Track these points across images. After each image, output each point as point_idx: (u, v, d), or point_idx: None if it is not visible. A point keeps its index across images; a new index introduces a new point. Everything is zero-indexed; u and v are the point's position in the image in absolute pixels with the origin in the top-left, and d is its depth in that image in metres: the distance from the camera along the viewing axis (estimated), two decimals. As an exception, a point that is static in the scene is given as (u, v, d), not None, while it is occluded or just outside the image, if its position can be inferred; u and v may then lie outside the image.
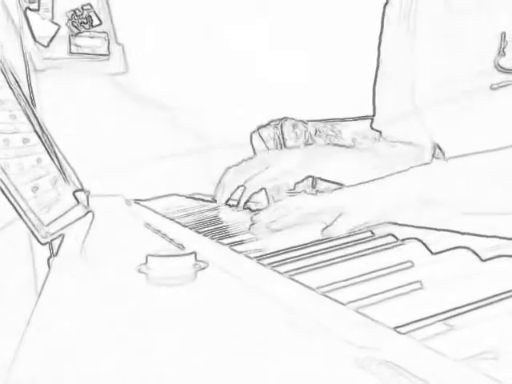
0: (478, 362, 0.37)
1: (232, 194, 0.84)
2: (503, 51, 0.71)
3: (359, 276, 0.53)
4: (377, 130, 0.96)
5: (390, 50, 0.90)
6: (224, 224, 0.78)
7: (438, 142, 0.84)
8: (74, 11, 1.19)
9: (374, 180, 0.68)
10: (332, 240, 0.65)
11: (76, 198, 0.87)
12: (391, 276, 0.53)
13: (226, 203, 0.84)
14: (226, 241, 0.69)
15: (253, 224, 0.71)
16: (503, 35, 0.71)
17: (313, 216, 0.69)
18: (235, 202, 0.83)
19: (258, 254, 0.62)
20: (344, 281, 0.52)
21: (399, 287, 0.50)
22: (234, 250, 0.66)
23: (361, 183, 0.69)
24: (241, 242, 0.68)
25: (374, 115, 0.96)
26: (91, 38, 1.21)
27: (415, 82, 0.84)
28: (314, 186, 1.03)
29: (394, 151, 0.90)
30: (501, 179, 0.65)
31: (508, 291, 0.47)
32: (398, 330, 0.42)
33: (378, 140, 0.98)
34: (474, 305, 0.45)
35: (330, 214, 0.68)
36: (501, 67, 0.70)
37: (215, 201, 0.87)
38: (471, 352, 0.38)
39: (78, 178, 0.92)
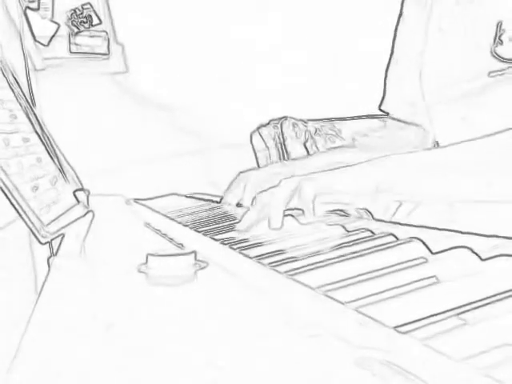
0: (479, 362, 0.37)
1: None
2: (500, 39, 0.72)
3: (359, 276, 0.53)
4: (384, 112, 0.97)
5: (405, 34, 0.92)
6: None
7: (438, 131, 0.86)
8: (74, 10, 1.19)
9: (339, 168, 0.77)
10: (332, 240, 0.65)
11: (76, 198, 0.87)
12: (391, 275, 0.53)
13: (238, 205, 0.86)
14: (222, 237, 0.70)
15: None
16: (500, 24, 0.72)
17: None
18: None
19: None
20: (344, 280, 0.52)
21: (399, 287, 0.50)
22: (233, 249, 0.66)
23: (326, 171, 0.77)
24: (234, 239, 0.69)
25: (383, 96, 0.97)
26: (91, 37, 1.21)
27: (422, 71, 0.85)
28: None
29: (402, 134, 0.92)
30: (437, 173, 0.75)
31: (508, 291, 0.47)
32: (398, 329, 0.42)
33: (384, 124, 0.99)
34: (474, 304, 0.45)
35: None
36: (498, 56, 0.72)
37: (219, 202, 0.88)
38: (472, 352, 0.38)
39: (77, 178, 0.92)
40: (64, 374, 0.43)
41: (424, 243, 0.59)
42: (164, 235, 0.77)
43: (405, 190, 0.75)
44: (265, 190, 0.75)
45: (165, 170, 1.22)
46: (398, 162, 0.75)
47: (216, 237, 0.72)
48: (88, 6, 1.20)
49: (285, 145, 1.20)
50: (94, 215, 0.86)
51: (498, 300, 0.45)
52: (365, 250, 0.60)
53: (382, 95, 0.98)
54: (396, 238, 0.63)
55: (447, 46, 0.80)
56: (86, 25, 1.20)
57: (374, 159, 0.76)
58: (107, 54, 1.22)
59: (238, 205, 0.87)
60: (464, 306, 0.45)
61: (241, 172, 0.90)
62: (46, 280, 0.65)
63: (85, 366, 0.44)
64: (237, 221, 0.80)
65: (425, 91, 0.85)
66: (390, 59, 0.96)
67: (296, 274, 0.55)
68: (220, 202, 0.89)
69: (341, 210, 0.82)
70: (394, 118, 0.96)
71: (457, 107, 0.79)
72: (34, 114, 0.85)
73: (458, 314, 0.44)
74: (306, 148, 1.21)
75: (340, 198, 0.74)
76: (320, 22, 1.25)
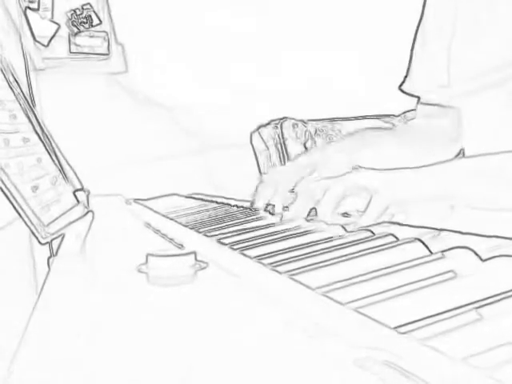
0: (479, 362, 0.37)
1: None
2: None
3: (359, 276, 0.53)
4: (409, 94, 0.93)
5: (433, 10, 0.88)
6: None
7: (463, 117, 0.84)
8: (74, 11, 1.19)
9: (400, 169, 0.73)
10: (332, 240, 0.65)
11: (76, 198, 0.87)
12: (391, 276, 0.53)
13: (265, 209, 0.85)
14: (226, 240, 0.70)
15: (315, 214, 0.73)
16: None
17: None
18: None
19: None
20: (344, 281, 0.52)
21: (399, 287, 0.50)
22: (233, 249, 0.66)
23: (386, 170, 0.73)
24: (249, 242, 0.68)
25: (406, 76, 0.93)
26: (91, 37, 1.21)
27: (451, 58, 0.82)
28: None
29: (430, 124, 0.90)
30: (504, 181, 0.70)
31: (508, 291, 0.47)
32: (397, 329, 0.42)
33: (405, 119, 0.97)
34: (474, 304, 0.45)
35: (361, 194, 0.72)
36: None
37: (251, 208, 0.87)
38: (473, 351, 0.38)
39: (77, 178, 0.92)
40: (64, 374, 0.43)
41: (424, 243, 0.59)
42: (164, 235, 0.77)
43: (467, 198, 0.71)
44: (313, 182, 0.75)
45: (165, 170, 1.22)
46: (459, 168, 0.71)
47: (216, 237, 0.72)
48: (88, 6, 1.20)
49: (285, 145, 1.21)
50: (93, 215, 0.86)
51: (498, 300, 0.46)
52: (365, 250, 0.60)
53: (404, 74, 0.93)
54: (396, 238, 0.63)
55: (476, 37, 0.77)
56: (86, 25, 1.20)
57: (429, 165, 0.72)
58: (107, 54, 1.22)
59: (267, 208, 0.85)
60: (464, 306, 0.45)
61: (264, 174, 0.88)
62: (45, 280, 0.65)
63: (85, 365, 0.44)
64: (237, 221, 0.80)
65: (452, 80, 0.82)
66: (415, 36, 0.91)
67: (296, 274, 0.55)
68: (252, 206, 0.87)
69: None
70: (424, 104, 0.91)
71: (484, 97, 0.77)
72: (34, 114, 0.85)
73: (459, 314, 0.44)
74: (305, 148, 1.21)
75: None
76: (320, 22, 1.25)
